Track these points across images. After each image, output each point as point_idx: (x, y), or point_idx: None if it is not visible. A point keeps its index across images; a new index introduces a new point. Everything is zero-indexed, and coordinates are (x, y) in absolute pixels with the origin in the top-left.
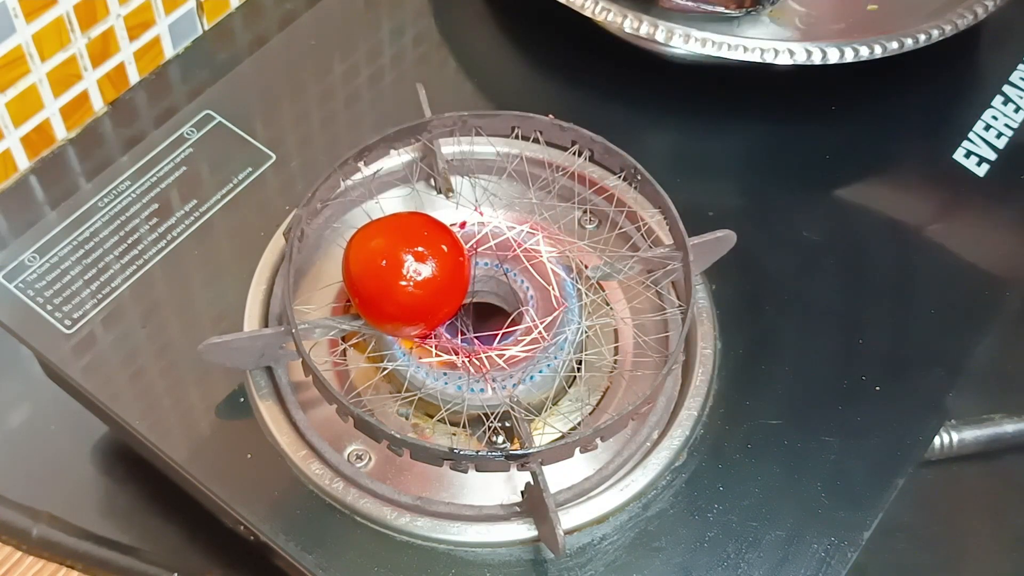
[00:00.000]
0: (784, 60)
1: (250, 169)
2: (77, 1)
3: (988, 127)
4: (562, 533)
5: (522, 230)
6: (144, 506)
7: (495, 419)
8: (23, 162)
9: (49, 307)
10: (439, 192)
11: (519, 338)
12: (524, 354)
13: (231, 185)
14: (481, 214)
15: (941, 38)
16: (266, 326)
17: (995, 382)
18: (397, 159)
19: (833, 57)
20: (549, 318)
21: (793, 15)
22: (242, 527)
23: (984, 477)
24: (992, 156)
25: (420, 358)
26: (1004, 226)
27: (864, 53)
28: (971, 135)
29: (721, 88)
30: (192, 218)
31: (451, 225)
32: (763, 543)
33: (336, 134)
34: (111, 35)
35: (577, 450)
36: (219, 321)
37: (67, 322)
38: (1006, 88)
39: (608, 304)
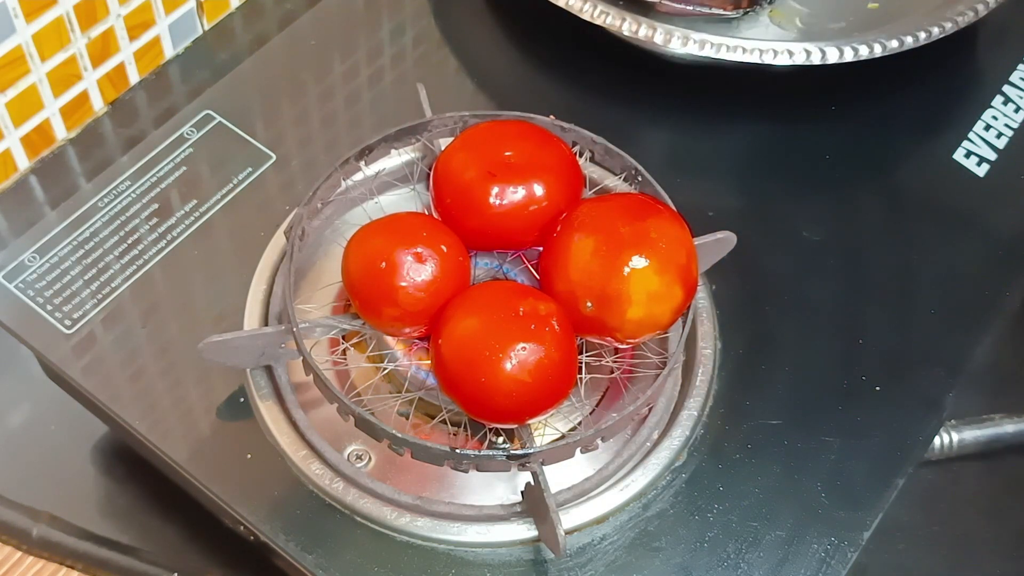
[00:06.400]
0: (783, 60)
1: (250, 169)
2: (77, 1)
3: (988, 127)
4: (563, 533)
5: None
6: (144, 506)
7: None
8: (23, 162)
9: (49, 307)
10: None
11: None
12: None
13: (231, 185)
14: None
15: (941, 36)
16: (266, 325)
17: (995, 382)
18: (397, 159)
19: (832, 57)
20: None
21: (793, 15)
22: (242, 527)
23: (984, 477)
24: (992, 156)
25: (420, 359)
26: (1004, 226)
27: (864, 52)
28: (971, 135)
29: (721, 89)
30: (192, 218)
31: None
32: (763, 543)
33: (336, 134)
34: (111, 35)
35: (578, 450)
36: (219, 321)
37: (67, 322)
38: (1006, 88)
39: None
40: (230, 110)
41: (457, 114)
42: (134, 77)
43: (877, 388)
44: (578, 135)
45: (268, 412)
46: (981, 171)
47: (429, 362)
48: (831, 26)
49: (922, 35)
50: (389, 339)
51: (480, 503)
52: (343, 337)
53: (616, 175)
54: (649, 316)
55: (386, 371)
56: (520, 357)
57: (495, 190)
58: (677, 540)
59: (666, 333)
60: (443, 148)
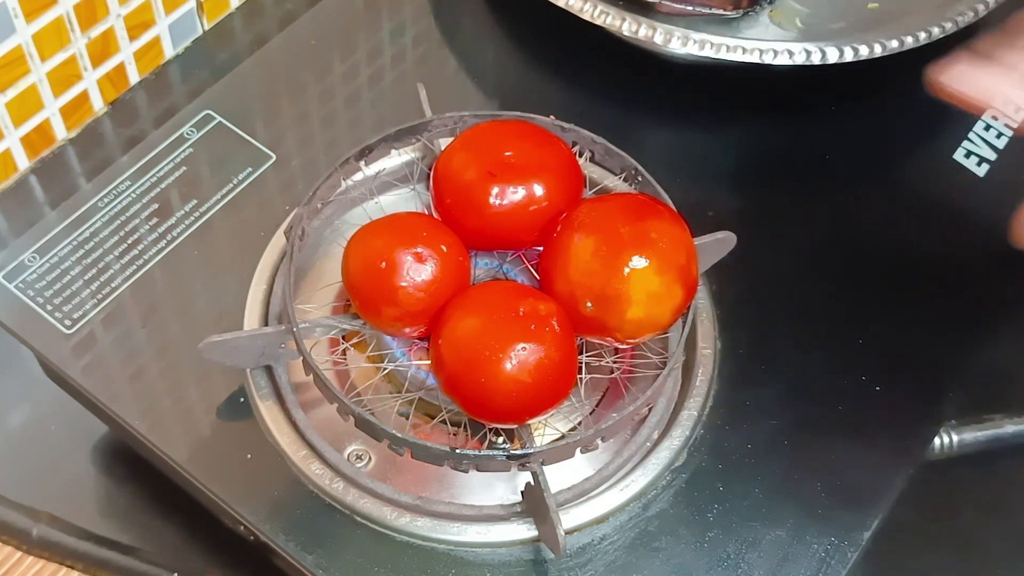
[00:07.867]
0: (783, 60)
1: (250, 169)
2: (77, 1)
3: (988, 127)
4: (563, 533)
5: None
6: (144, 506)
7: None
8: (23, 162)
9: (49, 307)
10: None
11: None
12: None
13: (231, 185)
14: None
15: (941, 36)
16: (266, 325)
17: (995, 382)
18: (397, 159)
19: (833, 57)
20: None
21: (793, 15)
22: (242, 527)
23: (984, 477)
24: (992, 156)
25: (420, 359)
26: (1004, 226)
27: (864, 52)
28: (971, 135)
29: (721, 89)
30: (192, 218)
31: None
32: (763, 543)
33: (336, 134)
34: (111, 35)
35: (578, 450)
36: (219, 321)
37: (67, 322)
38: None
39: None
40: (230, 110)
41: (457, 114)
42: (134, 77)
43: (877, 388)
44: (578, 135)
45: (268, 412)
46: (981, 171)
47: (429, 362)
48: (831, 26)
49: (922, 35)
50: (389, 339)
51: (480, 503)
52: (343, 337)
53: (616, 175)
54: (649, 316)
55: (386, 371)
56: (520, 357)
57: (495, 190)
58: (677, 540)
59: (666, 333)
60: (443, 148)
